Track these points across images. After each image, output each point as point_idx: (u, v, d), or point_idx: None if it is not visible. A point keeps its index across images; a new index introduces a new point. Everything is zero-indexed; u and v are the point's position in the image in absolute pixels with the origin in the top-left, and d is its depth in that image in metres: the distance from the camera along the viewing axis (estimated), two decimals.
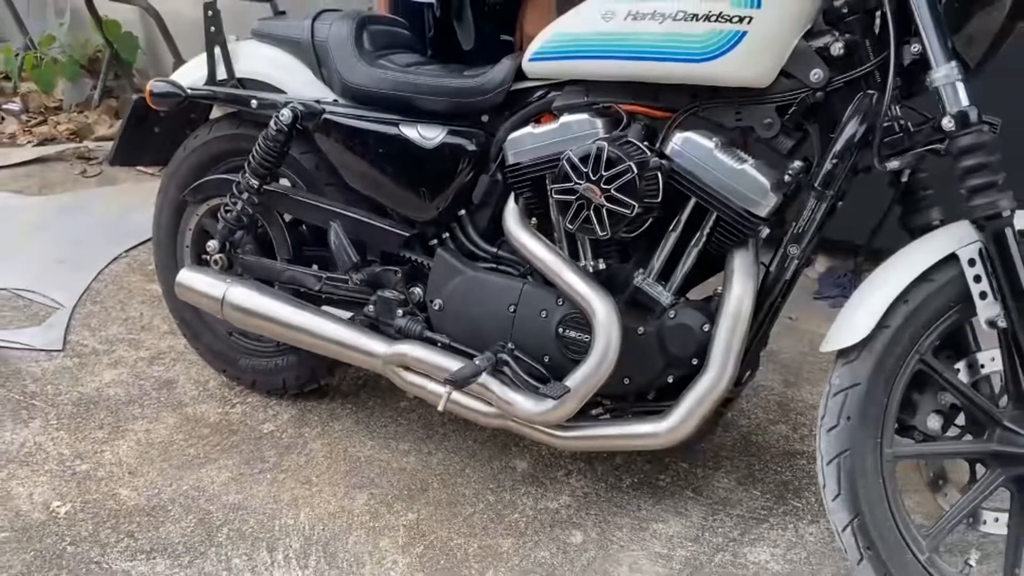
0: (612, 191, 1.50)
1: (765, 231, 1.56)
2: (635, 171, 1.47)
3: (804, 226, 1.54)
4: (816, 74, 1.48)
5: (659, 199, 1.53)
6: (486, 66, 1.78)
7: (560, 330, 1.68)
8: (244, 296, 1.91)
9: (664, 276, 1.65)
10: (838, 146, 1.48)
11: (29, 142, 4.08)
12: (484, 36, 2.20)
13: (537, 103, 1.73)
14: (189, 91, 1.96)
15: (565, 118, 1.65)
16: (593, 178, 1.51)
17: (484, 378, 1.66)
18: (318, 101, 1.87)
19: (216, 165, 2.09)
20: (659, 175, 1.52)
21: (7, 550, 1.79)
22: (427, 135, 1.77)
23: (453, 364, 1.71)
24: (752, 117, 1.55)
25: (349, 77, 1.84)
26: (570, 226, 1.56)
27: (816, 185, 1.51)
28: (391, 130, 1.79)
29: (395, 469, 2.01)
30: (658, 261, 1.64)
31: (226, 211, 1.97)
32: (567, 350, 1.68)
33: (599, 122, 1.62)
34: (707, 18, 1.48)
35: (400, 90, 1.80)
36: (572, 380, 1.62)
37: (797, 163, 1.53)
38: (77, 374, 2.35)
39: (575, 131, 1.63)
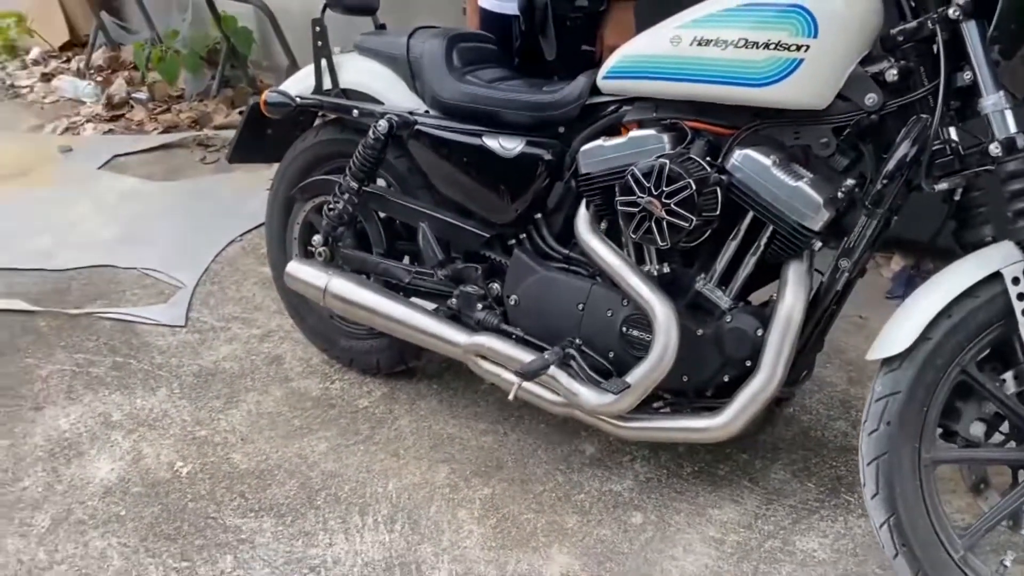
0: (672, 205, 1.63)
1: (818, 244, 1.67)
2: (694, 187, 1.60)
3: (855, 241, 1.64)
4: (871, 98, 1.57)
5: (717, 213, 1.66)
6: (563, 82, 1.93)
7: (624, 329, 1.83)
8: (343, 287, 2.13)
9: (724, 281, 1.78)
10: (889, 166, 1.57)
11: (155, 129, 4.44)
12: (567, 47, 2.34)
13: (609, 117, 1.87)
14: (298, 100, 2.18)
15: (634, 133, 1.79)
16: (655, 193, 1.64)
17: (552, 370, 1.83)
18: (411, 112, 2.05)
19: (321, 166, 2.31)
20: (718, 190, 1.65)
21: (140, 503, 2.07)
22: (507, 146, 1.93)
23: (525, 356, 1.88)
24: (809, 136, 1.66)
25: (439, 91, 2.02)
26: (633, 235, 1.70)
27: (867, 203, 1.60)
28: (475, 140, 1.96)
29: (474, 447, 2.21)
30: (719, 267, 1.77)
31: (329, 209, 2.19)
32: (630, 348, 1.83)
33: (665, 137, 1.75)
34: (767, 46, 1.59)
35: (484, 104, 1.96)
36: (632, 376, 1.77)
37: (850, 181, 1.63)
38: (197, 348, 2.63)
39: (642, 145, 1.76)
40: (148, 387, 2.47)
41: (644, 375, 1.75)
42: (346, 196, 2.14)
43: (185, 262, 3.06)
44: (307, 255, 2.36)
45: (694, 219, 1.62)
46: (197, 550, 1.93)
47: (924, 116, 1.56)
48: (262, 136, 2.37)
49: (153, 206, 3.55)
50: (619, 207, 1.72)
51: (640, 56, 1.76)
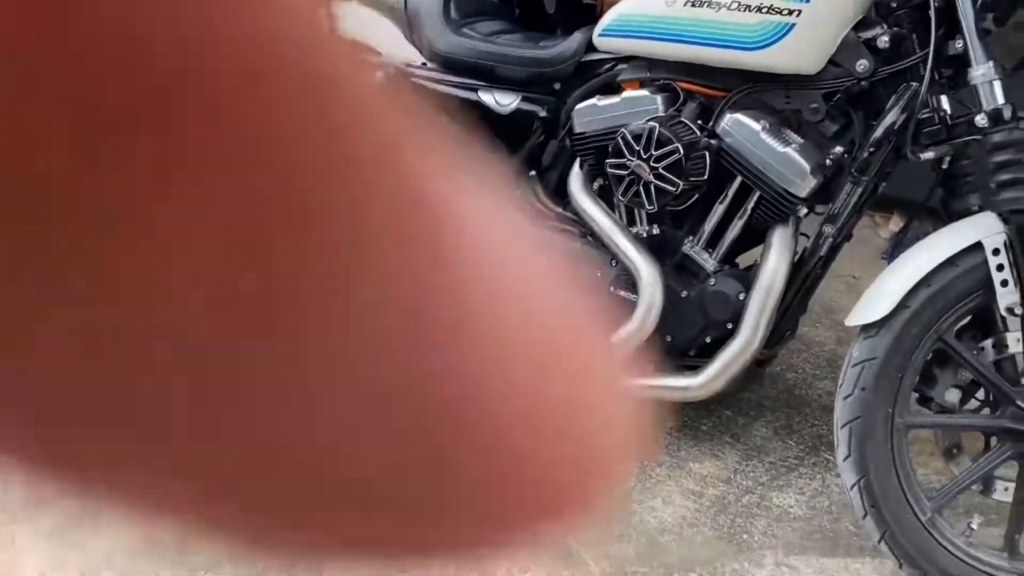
0: (660, 169, 1.65)
1: (804, 210, 1.68)
2: (682, 152, 1.62)
3: (840, 208, 1.65)
4: (862, 64, 1.57)
5: (705, 177, 1.67)
6: (561, 38, 1.92)
7: (612, 289, 1.86)
8: None
9: (712, 244, 1.80)
10: (877, 133, 1.58)
11: None
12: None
13: (604, 75, 1.87)
14: None
15: (627, 93, 1.79)
16: (643, 156, 1.66)
17: None
18: (408, 64, 2.06)
19: None
20: (707, 155, 1.66)
21: None
22: (502, 101, 1.94)
23: None
24: (800, 101, 1.66)
25: (436, 43, 2.02)
26: (622, 198, 1.72)
27: (854, 171, 1.61)
28: (470, 95, 1.97)
29: None
30: (706, 230, 1.79)
31: None
32: (617, 308, 1.86)
33: (659, 98, 1.76)
34: (759, 9, 1.58)
35: (480, 58, 1.97)
36: (616, 335, 1.80)
37: (838, 148, 1.64)
38: None
39: (635, 106, 1.77)
40: None
41: (628, 335, 1.79)
42: None
43: None
44: None
45: (681, 183, 1.64)
46: None
47: (914, 84, 1.55)
48: None
49: None
50: (608, 169, 1.73)
51: (634, 15, 1.76)
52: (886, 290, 1.56)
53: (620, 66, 1.84)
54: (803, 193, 1.64)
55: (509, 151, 1.99)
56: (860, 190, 1.63)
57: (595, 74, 1.89)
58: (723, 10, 1.62)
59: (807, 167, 1.63)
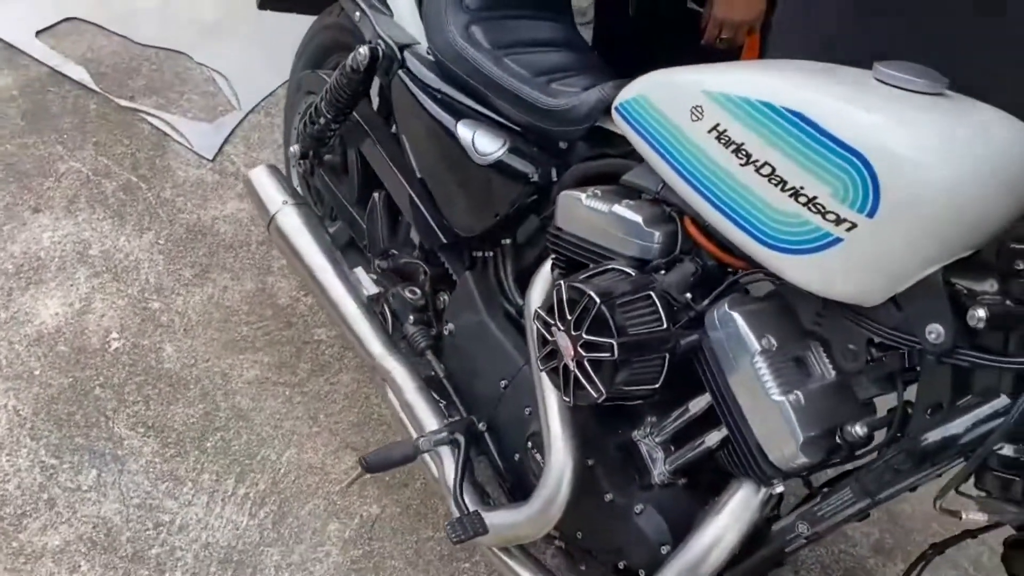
0: (586, 359, 1.12)
1: (780, 488, 1.12)
2: (616, 354, 1.08)
3: (826, 511, 1.07)
4: (935, 333, 0.94)
5: (655, 387, 1.13)
6: (582, 87, 1.35)
7: (529, 443, 1.39)
8: (290, 225, 1.76)
9: (672, 444, 1.27)
10: (924, 439, 0.97)
11: None
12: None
13: (611, 161, 1.30)
14: None
15: (620, 208, 1.22)
16: (573, 330, 1.13)
17: (425, 458, 1.44)
18: (404, 47, 1.55)
19: (334, 55, 1.87)
20: (665, 358, 1.11)
21: (57, 367, 1.96)
22: (483, 147, 1.41)
23: (427, 417, 1.49)
24: (835, 332, 1.05)
25: (432, 37, 1.49)
26: (539, 364, 1.21)
27: (861, 479, 1.02)
28: (448, 125, 1.45)
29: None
30: (664, 429, 1.25)
31: (310, 121, 1.78)
32: (531, 468, 1.39)
33: (657, 235, 1.19)
34: (801, 198, 0.97)
35: (473, 77, 1.43)
36: (499, 516, 1.35)
37: (858, 427, 1.04)
38: (207, 195, 2.40)
39: (624, 229, 1.21)
40: (140, 226, 2.29)
41: (510, 525, 1.33)
42: (321, 120, 1.72)
43: (255, 77, 2.75)
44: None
45: (604, 391, 1.11)
46: (72, 450, 1.81)
47: (1003, 400, 0.92)
48: None
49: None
50: (529, 314, 1.22)
51: (656, 107, 1.15)
52: None
53: (631, 160, 1.26)
54: (785, 467, 1.08)
55: (481, 205, 1.48)
56: (859, 506, 1.04)
57: (603, 152, 1.32)
58: (750, 168, 1.01)
59: (801, 437, 1.05)
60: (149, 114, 2.60)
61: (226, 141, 2.56)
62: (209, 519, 1.73)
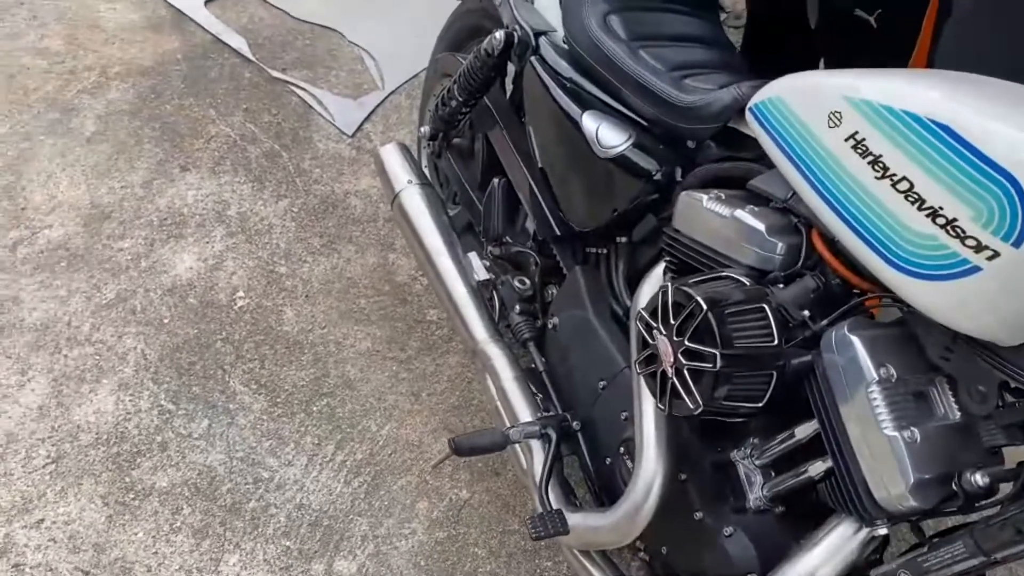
0: (686, 368, 1.07)
1: (883, 530, 1.04)
2: (718, 366, 1.02)
3: (934, 565, 0.98)
4: None
5: (759, 405, 1.07)
6: (717, 85, 1.29)
7: (622, 449, 1.35)
8: (413, 205, 1.78)
9: (772, 470, 1.20)
10: None
11: None
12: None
13: (738, 165, 1.24)
14: None
15: (743, 213, 1.16)
16: (675, 335, 1.08)
17: (515, 449, 1.42)
18: (539, 33, 1.53)
19: (473, 40, 1.87)
20: (774, 376, 1.05)
21: (185, 318, 2.06)
22: (607, 139, 1.37)
23: (521, 407, 1.47)
24: (964, 369, 0.96)
25: (569, 24, 1.46)
26: (637, 366, 1.17)
27: (975, 536, 0.93)
28: (573, 115, 1.42)
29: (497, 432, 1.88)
30: (767, 452, 1.19)
31: (442, 103, 1.79)
32: (621, 474, 1.35)
33: (780, 245, 1.12)
34: (933, 215, 0.89)
35: (604, 67, 1.39)
36: (583, 518, 1.31)
37: (980, 478, 0.95)
38: (343, 169, 2.46)
39: (746, 237, 1.15)
40: (278, 192, 2.38)
41: (592, 529, 1.29)
42: (453, 103, 1.72)
43: (401, 56, 2.80)
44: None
45: (702, 404, 1.06)
46: (189, 399, 1.90)
47: None
48: None
49: None
50: (634, 314, 1.18)
51: (790, 110, 1.09)
52: None
53: (760, 166, 1.20)
54: (892, 508, 1.00)
55: (600, 201, 1.45)
56: (971, 563, 0.95)
57: (731, 155, 1.26)
58: (885, 182, 0.93)
59: (912, 478, 0.96)
60: (298, 86, 2.69)
61: (367, 119, 2.62)
62: (305, 481, 1.78)
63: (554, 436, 1.38)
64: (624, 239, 1.45)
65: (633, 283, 1.43)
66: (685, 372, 1.07)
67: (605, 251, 1.49)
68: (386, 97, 2.69)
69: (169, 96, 2.62)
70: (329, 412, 1.90)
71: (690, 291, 1.06)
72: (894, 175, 0.93)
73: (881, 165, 0.94)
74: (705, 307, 1.03)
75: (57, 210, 2.23)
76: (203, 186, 2.37)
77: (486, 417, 1.90)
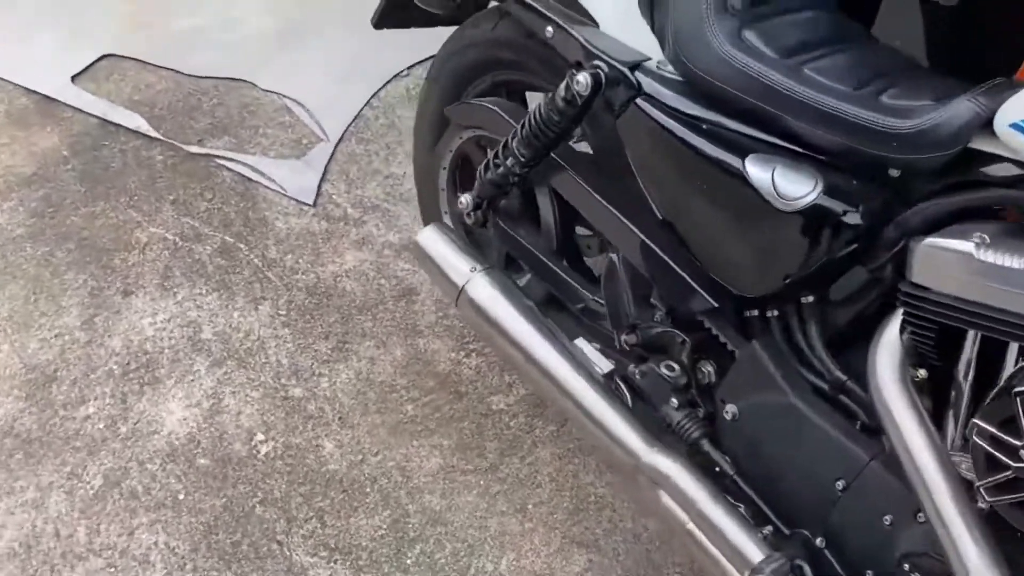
0: None
1: None
2: None
3: None
4: None
5: None
6: (927, 98, 1.02)
7: (906, 565, 1.09)
8: (486, 297, 1.44)
9: None
10: None
11: None
12: None
13: (994, 194, 0.98)
14: None
15: None
16: None
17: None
18: (635, 67, 1.21)
19: (490, 73, 1.55)
20: None
21: (203, 486, 1.65)
22: (789, 190, 1.09)
23: (739, 537, 1.18)
24: None
25: (687, 50, 1.15)
26: (986, 494, 0.91)
27: None
28: (730, 163, 1.13)
29: (626, 530, 1.60)
30: None
31: (490, 165, 1.45)
32: None
33: None
34: None
35: (754, 95, 1.10)
36: None
37: None
38: (319, 248, 2.07)
39: None
40: (252, 296, 1.97)
41: None
42: (510, 161, 1.39)
43: (334, 97, 2.40)
44: (454, 193, 1.66)
45: None
46: None
47: None
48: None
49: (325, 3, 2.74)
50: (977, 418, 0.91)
51: None
52: None
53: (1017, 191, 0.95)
54: None
55: (777, 259, 1.16)
56: None
57: (974, 180, 1.00)
58: None
59: None
60: (225, 158, 2.25)
61: (323, 179, 2.21)
62: None
63: (807, 570, 1.11)
64: (811, 298, 1.18)
65: (836, 348, 1.17)
66: None
67: (777, 313, 1.21)
68: (335, 148, 2.29)
69: (71, 205, 2.14)
70: (428, 561, 1.56)
71: None
72: None
73: None
74: None
75: None
76: (158, 310, 1.94)
77: (614, 515, 1.61)
